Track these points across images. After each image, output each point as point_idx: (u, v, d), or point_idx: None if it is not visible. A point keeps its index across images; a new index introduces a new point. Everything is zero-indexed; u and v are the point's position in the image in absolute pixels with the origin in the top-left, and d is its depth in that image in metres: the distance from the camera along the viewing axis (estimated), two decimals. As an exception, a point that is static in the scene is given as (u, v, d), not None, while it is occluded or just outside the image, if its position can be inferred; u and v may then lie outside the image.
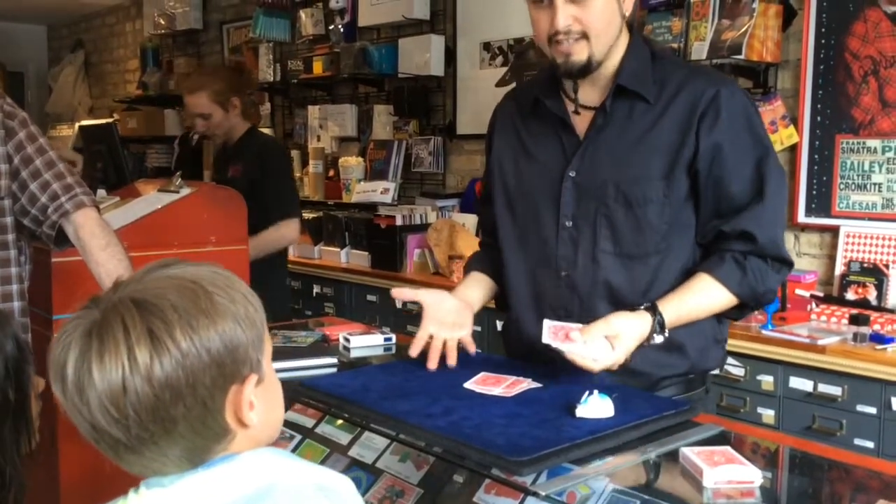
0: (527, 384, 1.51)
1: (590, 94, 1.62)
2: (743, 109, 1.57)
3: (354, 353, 1.86)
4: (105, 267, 1.85)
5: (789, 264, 1.60)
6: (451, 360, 1.63)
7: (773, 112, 2.96)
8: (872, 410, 2.36)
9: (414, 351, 1.64)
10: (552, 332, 1.47)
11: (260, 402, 0.90)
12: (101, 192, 3.10)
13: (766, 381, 2.55)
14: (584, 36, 1.52)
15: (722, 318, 1.65)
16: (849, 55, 2.83)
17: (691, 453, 1.20)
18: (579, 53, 1.53)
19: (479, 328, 3.42)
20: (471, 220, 3.74)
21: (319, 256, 4.32)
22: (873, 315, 2.57)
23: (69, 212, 1.88)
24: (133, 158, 6.01)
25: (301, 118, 5.10)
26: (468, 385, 1.51)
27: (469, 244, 3.60)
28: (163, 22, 6.12)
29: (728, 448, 1.22)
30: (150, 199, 2.61)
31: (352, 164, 4.46)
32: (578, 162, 1.61)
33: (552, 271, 1.63)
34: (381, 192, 4.24)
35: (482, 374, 1.57)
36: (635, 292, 1.56)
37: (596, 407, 1.34)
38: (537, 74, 1.72)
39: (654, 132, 1.56)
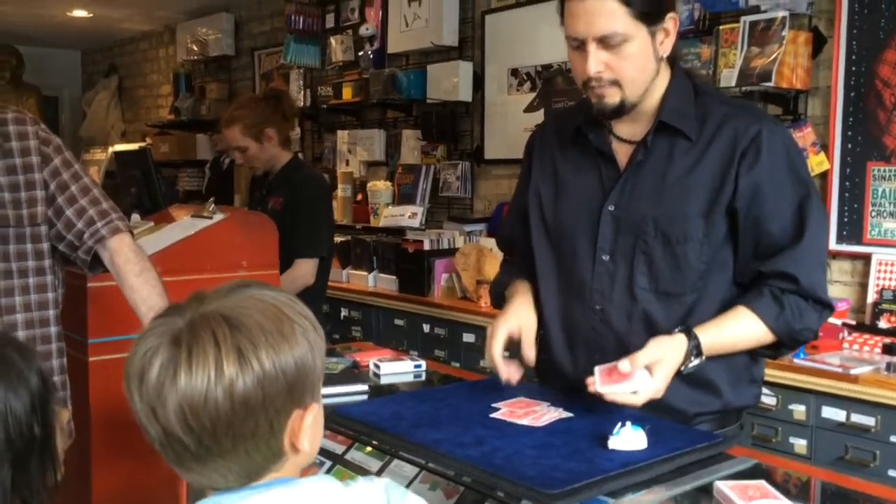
0: (557, 414, 1.51)
1: (631, 128, 1.62)
2: (784, 148, 1.55)
3: (384, 380, 1.87)
4: (139, 293, 1.87)
5: (830, 307, 1.57)
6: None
7: (803, 139, 2.95)
8: (906, 441, 2.32)
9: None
10: (603, 375, 1.45)
11: (311, 431, 0.95)
12: (136, 217, 3.15)
13: (798, 410, 2.52)
14: (616, 82, 1.53)
15: (757, 356, 1.63)
16: (879, 83, 2.82)
17: (725, 487, 1.19)
18: (612, 97, 1.54)
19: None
20: (498, 244, 3.75)
21: (347, 280, 4.35)
22: (907, 344, 2.54)
23: (105, 237, 1.90)
24: (165, 182, 6.10)
25: (330, 143, 5.16)
26: (499, 413, 1.52)
27: (496, 269, 3.60)
28: (195, 48, 6.23)
29: (763, 482, 1.21)
30: (184, 225, 2.65)
31: (380, 188, 4.49)
32: (617, 196, 1.60)
33: (586, 305, 1.63)
34: (408, 216, 4.27)
35: (515, 399, 1.57)
36: (671, 328, 1.54)
37: (629, 438, 1.34)
38: (579, 103, 1.71)
39: (695, 170, 1.55)
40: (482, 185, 4.30)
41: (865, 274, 2.89)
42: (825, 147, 2.96)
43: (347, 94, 4.73)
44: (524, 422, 1.48)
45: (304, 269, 3.02)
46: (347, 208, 4.70)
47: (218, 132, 5.95)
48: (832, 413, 2.46)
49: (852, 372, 2.43)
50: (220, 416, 0.87)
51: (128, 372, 0.91)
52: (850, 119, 2.90)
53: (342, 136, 4.97)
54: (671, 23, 1.56)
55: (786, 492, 1.20)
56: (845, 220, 2.92)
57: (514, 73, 4.08)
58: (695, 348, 1.50)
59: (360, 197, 4.70)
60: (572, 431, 1.43)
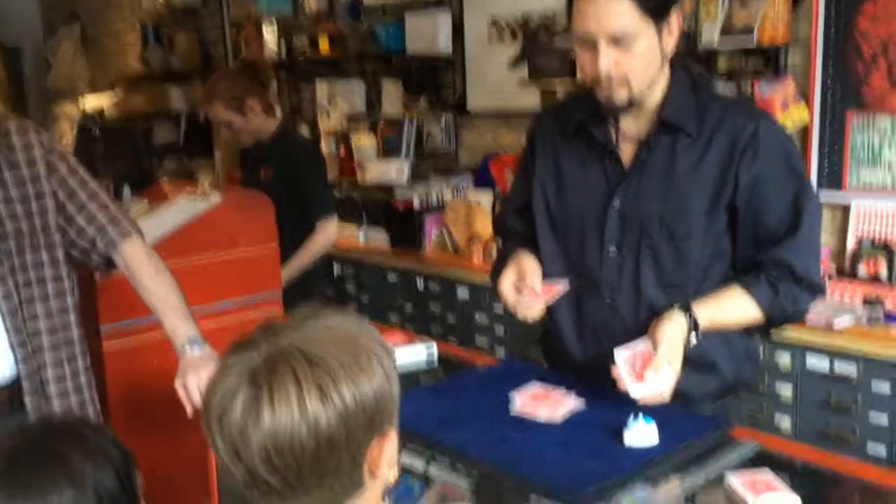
0: (571, 402, 1.61)
1: (633, 126, 1.67)
2: (780, 143, 1.64)
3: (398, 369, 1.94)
4: (156, 294, 1.93)
5: (822, 290, 1.67)
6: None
7: (784, 91, 3.01)
8: (886, 389, 2.47)
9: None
10: (627, 364, 1.54)
11: (389, 457, 0.96)
12: (126, 193, 3.18)
13: (784, 361, 2.66)
14: (625, 80, 1.57)
15: (752, 333, 1.74)
16: (858, 35, 2.87)
17: (736, 482, 1.30)
18: (620, 95, 1.59)
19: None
20: (486, 198, 3.81)
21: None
22: (885, 291, 2.66)
23: (117, 243, 1.95)
24: (141, 134, 6.02)
25: (308, 93, 5.11)
26: (517, 406, 1.61)
27: (485, 224, 3.67)
28: (160, -3, 6.08)
29: (768, 472, 1.32)
30: (182, 208, 2.68)
31: (365, 143, 4.49)
32: (623, 193, 1.67)
33: (597, 295, 1.71)
34: (395, 172, 4.29)
35: (528, 388, 1.67)
36: None
37: (642, 432, 1.44)
38: (581, 96, 1.76)
39: (698, 169, 1.63)
40: (466, 136, 4.32)
41: (845, 222, 2.99)
42: (806, 97, 3.02)
43: (324, 45, 4.68)
44: (542, 416, 1.57)
45: (331, 229, 3.12)
46: (332, 163, 4.70)
47: (190, 85, 5.88)
48: (816, 363, 2.59)
49: (835, 326, 2.55)
50: (305, 454, 0.87)
51: (207, 414, 0.91)
52: (830, 70, 2.96)
53: (321, 87, 4.93)
54: (675, 20, 1.60)
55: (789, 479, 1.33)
56: (825, 170, 3.01)
57: (495, 23, 4.05)
58: (693, 325, 1.59)
59: (343, 151, 4.71)
60: (587, 424, 1.53)
